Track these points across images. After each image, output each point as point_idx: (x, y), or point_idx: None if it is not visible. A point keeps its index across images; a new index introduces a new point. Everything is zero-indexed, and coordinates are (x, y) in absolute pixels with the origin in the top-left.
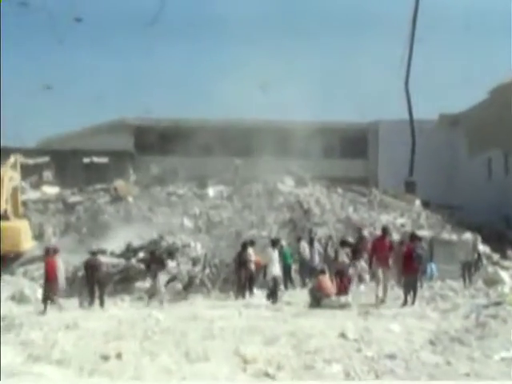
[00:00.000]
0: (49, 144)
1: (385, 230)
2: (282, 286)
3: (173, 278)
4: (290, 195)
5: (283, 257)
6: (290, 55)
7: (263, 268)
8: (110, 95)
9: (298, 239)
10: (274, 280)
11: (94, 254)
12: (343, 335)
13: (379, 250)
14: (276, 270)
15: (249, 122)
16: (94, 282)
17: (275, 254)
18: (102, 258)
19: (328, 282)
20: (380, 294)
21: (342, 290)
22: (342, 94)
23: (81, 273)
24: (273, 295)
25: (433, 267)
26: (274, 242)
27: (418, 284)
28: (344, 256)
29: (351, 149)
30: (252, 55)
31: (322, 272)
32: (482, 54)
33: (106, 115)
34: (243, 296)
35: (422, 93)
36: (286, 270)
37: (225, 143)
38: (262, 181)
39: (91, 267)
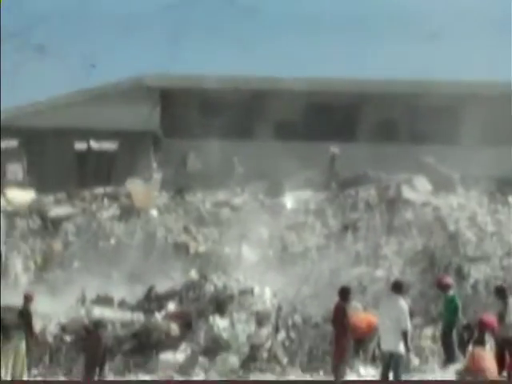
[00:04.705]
0: (16, 119)
1: None
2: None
3: (223, 347)
4: (425, 208)
5: (449, 311)
6: None
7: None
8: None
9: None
10: (391, 358)
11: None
12: None
13: None
14: (394, 339)
15: (354, 82)
16: (94, 353)
17: (398, 309)
18: (106, 312)
19: (489, 360)
20: None
21: None
22: None
23: (70, 337)
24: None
25: None
26: (397, 288)
27: None
28: None
29: None
30: None
31: (479, 342)
32: None
33: (111, 73)
34: (342, 379)
35: None
36: (446, 332)
37: (312, 118)
38: (376, 182)
39: (90, 333)
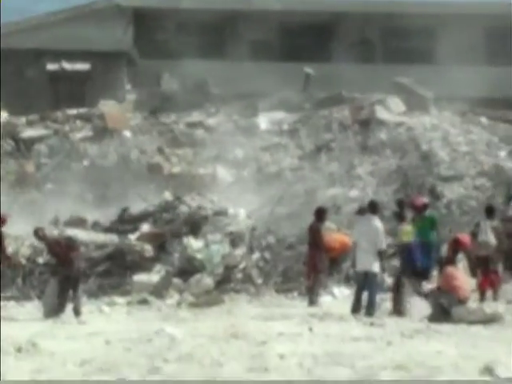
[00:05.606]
0: None
1: None
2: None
3: (198, 268)
4: (398, 128)
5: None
6: None
7: (352, 253)
8: None
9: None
10: (366, 278)
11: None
12: (489, 371)
13: None
14: (369, 259)
15: (329, 1)
16: (67, 276)
17: (373, 229)
18: (80, 234)
19: (462, 279)
20: None
21: (486, 289)
22: None
23: (43, 258)
24: (358, 302)
25: None
26: (371, 208)
27: None
28: (490, 234)
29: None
30: None
31: (450, 261)
32: None
33: None
34: (316, 300)
35: None
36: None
37: (286, 39)
38: (349, 102)
39: (62, 250)
